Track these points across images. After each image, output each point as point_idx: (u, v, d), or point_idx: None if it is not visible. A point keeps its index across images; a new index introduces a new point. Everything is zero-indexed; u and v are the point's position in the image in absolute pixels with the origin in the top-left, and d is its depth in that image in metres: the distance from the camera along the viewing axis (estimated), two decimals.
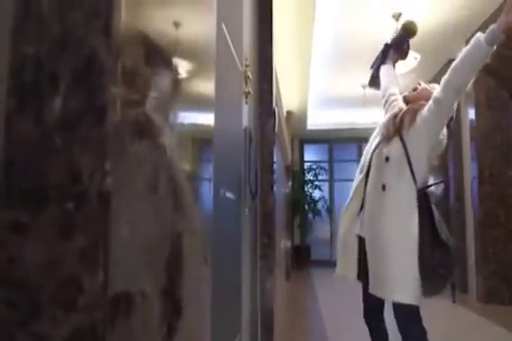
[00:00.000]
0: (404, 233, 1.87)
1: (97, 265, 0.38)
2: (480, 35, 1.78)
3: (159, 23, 0.56)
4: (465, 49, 1.82)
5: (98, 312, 0.38)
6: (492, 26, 1.76)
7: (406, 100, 2.16)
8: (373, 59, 2.42)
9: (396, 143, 1.97)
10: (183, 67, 0.67)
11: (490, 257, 4.72)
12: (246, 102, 1.77)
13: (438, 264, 1.82)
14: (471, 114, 5.03)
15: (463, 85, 1.85)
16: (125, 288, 0.42)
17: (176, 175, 0.60)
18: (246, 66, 1.73)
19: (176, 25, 0.64)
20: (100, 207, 0.38)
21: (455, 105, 1.90)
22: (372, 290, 1.95)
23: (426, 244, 1.82)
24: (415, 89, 2.16)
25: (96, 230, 0.38)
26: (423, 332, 1.86)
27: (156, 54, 0.54)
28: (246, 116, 1.77)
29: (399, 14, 4.34)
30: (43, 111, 0.40)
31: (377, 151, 2.04)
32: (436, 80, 6.12)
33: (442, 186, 6.00)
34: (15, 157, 0.39)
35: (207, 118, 0.87)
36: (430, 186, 2.02)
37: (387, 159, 1.97)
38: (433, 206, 1.92)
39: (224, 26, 1.13)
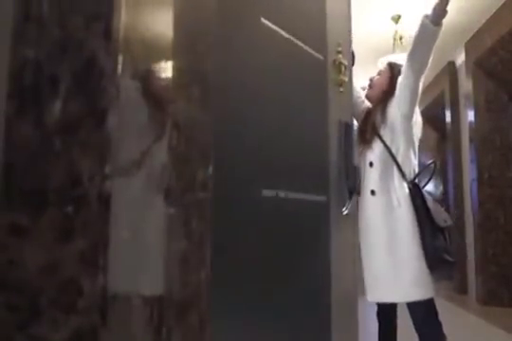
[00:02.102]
0: (404, 231, 1.87)
1: (96, 268, 0.38)
2: (425, 16, 1.79)
3: (159, 26, 0.56)
4: (415, 33, 1.84)
5: (97, 314, 0.38)
6: (434, 5, 1.76)
7: (368, 98, 2.19)
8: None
9: (378, 146, 1.99)
10: (184, 69, 0.67)
11: (490, 259, 4.71)
12: (342, 91, 1.53)
13: (442, 250, 1.83)
14: (470, 115, 5.02)
15: (423, 66, 1.90)
16: (124, 291, 0.42)
17: (179, 178, 0.60)
18: (338, 53, 1.50)
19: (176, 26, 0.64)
20: (99, 210, 0.38)
21: (420, 85, 1.95)
22: (381, 298, 1.92)
23: (427, 234, 1.83)
24: (370, 85, 2.19)
25: (95, 233, 0.38)
26: (439, 325, 1.85)
27: (156, 56, 0.54)
28: (337, 107, 1.51)
29: (398, 16, 4.34)
30: (43, 114, 0.40)
31: (361, 157, 2.05)
32: (436, 81, 6.08)
33: (441, 188, 6.00)
34: (15, 160, 0.39)
35: (205, 117, 0.87)
36: (420, 173, 2.03)
37: (371, 164, 1.99)
38: (425, 193, 1.93)
39: (264, 19, 1.11)
